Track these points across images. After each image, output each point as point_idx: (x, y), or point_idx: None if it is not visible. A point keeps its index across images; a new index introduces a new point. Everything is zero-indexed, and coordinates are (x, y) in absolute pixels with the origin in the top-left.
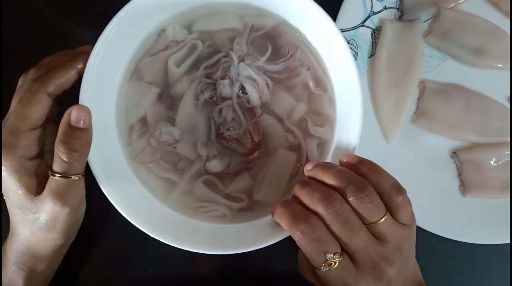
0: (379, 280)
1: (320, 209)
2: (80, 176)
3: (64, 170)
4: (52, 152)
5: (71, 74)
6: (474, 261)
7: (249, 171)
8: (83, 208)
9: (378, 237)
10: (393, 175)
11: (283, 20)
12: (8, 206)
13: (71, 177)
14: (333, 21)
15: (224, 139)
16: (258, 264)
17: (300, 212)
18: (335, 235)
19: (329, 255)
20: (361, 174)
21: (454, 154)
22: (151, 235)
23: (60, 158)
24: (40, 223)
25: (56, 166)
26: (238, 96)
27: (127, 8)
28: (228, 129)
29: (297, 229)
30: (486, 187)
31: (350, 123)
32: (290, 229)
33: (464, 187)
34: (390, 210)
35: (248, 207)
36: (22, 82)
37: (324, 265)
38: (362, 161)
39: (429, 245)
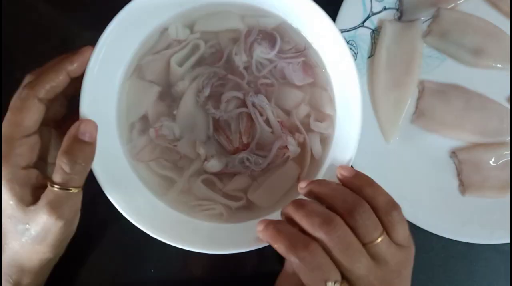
0: None
1: (321, 234)
2: (79, 189)
3: (65, 181)
4: (54, 164)
5: (60, 78)
6: (474, 261)
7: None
8: (76, 221)
9: (377, 259)
10: (392, 175)
11: (284, 21)
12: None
13: (70, 190)
14: (333, 22)
15: (217, 131)
16: (259, 264)
17: (298, 236)
18: (336, 261)
19: (330, 284)
20: (356, 188)
21: (454, 153)
22: (152, 235)
23: (62, 169)
24: (30, 234)
25: (57, 177)
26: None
27: (127, 8)
28: (216, 109)
29: (296, 256)
30: (486, 187)
31: (350, 120)
32: (288, 255)
33: (464, 186)
34: (385, 227)
35: (246, 206)
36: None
37: None
38: (358, 175)
39: (429, 245)
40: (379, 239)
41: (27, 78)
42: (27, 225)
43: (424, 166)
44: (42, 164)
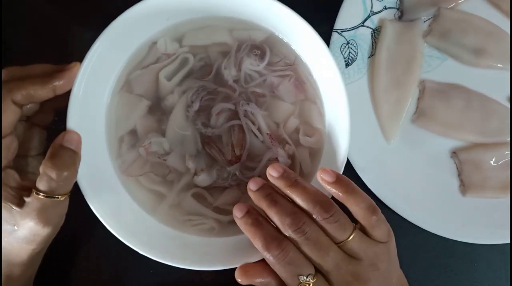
0: None
1: (290, 233)
2: (66, 196)
3: (51, 189)
4: (36, 156)
5: (44, 91)
6: (474, 261)
7: (238, 184)
8: (63, 220)
9: (351, 255)
10: (392, 175)
11: (273, 34)
12: None
13: (57, 197)
14: (319, 36)
15: (208, 145)
16: None
17: (272, 235)
18: (308, 256)
19: (303, 278)
20: (338, 191)
21: (454, 153)
22: (141, 252)
23: (47, 175)
24: (17, 235)
25: (42, 185)
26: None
27: (114, 24)
28: (206, 127)
29: (270, 254)
30: (486, 187)
31: (339, 135)
32: (263, 252)
33: (464, 186)
34: (365, 228)
35: None
36: None
37: None
38: (338, 181)
39: (429, 245)
40: (350, 238)
41: (3, 74)
42: (15, 227)
43: (425, 166)
44: (19, 160)
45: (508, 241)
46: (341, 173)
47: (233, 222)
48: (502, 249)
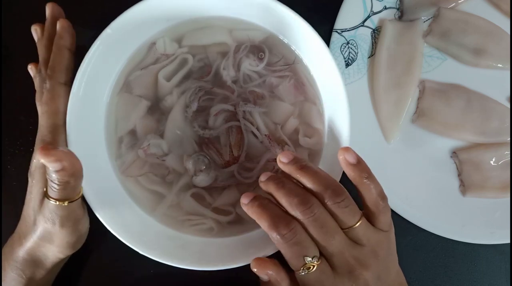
0: (355, 283)
1: (298, 213)
2: (73, 201)
3: (58, 196)
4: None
5: (67, 55)
6: (474, 261)
7: (237, 185)
8: (82, 228)
9: (354, 241)
10: (392, 175)
11: (272, 34)
12: (25, 208)
13: (64, 203)
14: (319, 36)
15: (206, 145)
16: None
17: (280, 215)
18: (313, 238)
19: (308, 259)
20: (355, 173)
21: (454, 153)
22: (140, 252)
23: (54, 184)
24: (37, 234)
25: (51, 192)
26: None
27: (113, 25)
28: (204, 129)
29: (278, 233)
30: (486, 187)
31: (339, 135)
32: (270, 231)
33: (464, 186)
34: (370, 214)
35: (237, 220)
36: (36, 85)
37: (303, 269)
38: (359, 165)
39: (429, 245)
40: (357, 224)
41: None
42: (35, 226)
43: (425, 166)
44: (41, 75)
45: (508, 241)
46: (341, 173)
47: (232, 223)
48: (502, 249)
